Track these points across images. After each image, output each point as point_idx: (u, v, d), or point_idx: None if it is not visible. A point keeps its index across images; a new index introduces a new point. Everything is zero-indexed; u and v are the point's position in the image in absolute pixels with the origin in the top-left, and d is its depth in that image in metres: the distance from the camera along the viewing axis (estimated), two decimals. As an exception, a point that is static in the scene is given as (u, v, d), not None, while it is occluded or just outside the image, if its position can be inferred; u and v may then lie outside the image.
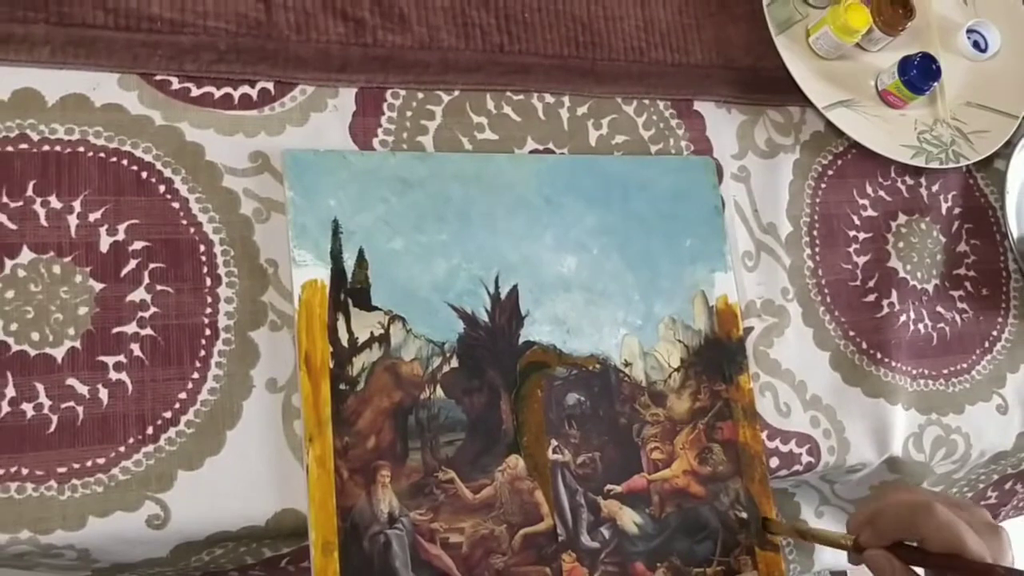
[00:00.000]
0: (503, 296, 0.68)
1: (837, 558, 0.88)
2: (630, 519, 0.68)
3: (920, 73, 0.81)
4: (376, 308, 0.65)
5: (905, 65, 0.82)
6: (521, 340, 0.68)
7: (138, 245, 0.63)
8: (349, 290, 0.65)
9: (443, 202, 0.69)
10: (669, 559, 0.68)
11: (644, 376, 0.71)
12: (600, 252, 0.72)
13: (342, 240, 0.65)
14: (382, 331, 0.65)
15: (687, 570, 0.68)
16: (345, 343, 0.63)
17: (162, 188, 0.64)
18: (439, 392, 0.65)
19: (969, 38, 0.89)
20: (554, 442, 0.67)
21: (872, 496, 0.62)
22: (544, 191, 0.72)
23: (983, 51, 0.89)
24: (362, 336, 0.64)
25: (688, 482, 0.70)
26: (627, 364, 0.70)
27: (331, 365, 0.63)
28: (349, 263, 0.65)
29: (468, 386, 0.66)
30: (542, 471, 0.66)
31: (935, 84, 0.83)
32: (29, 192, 0.61)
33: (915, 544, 0.59)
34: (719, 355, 0.73)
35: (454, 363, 0.66)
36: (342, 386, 0.63)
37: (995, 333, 0.85)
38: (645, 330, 0.71)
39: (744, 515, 0.71)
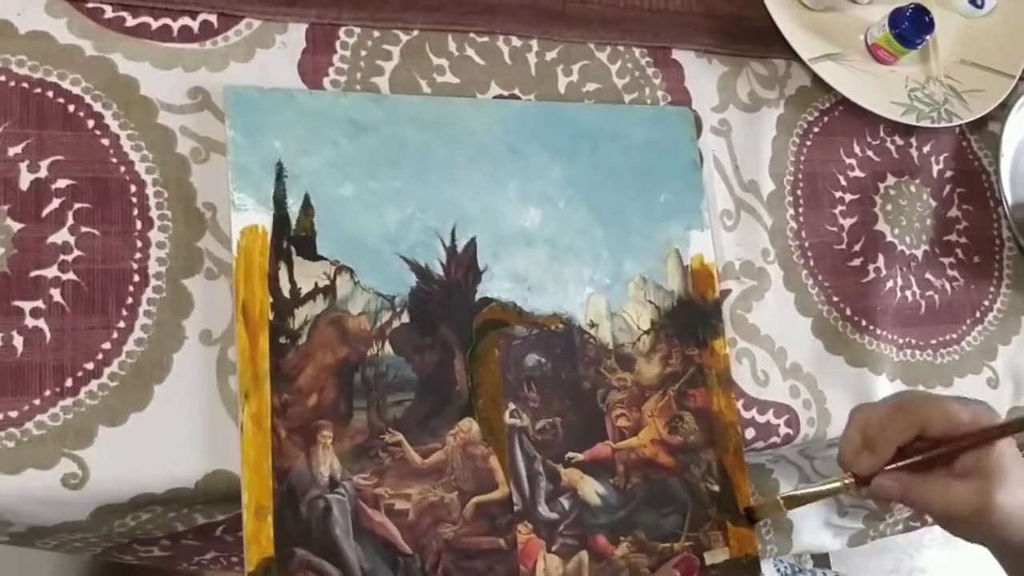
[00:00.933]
0: (460, 249, 0.63)
1: (818, 540, 0.84)
2: (592, 489, 0.63)
3: (912, 26, 0.77)
4: (322, 258, 0.60)
5: (896, 17, 0.77)
6: (478, 296, 0.63)
7: (62, 183, 0.58)
8: (292, 238, 0.60)
9: (398, 147, 0.64)
10: (633, 533, 0.63)
11: (611, 338, 0.66)
12: (567, 205, 0.67)
13: (286, 184, 0.60)
14: (327, 282, 0.60)
15: (652, 545, 0.64)
16: (287, 294, 0.59)
17: (91, 123, 0.59)
18: (388, 349, 0.60)
19: (965, -7, 0.84)
20: (512, 405, 0.62)
21: (845, 429, 0.59)
22: (508, 139, 0.67)
23: (979, 7, 0.85)
24: (305, 287, 0.59)
25: (656, 452, 0.65)
26: (593, 325, 0.66)
27: (271, 317, 0.58)
28: (293, 209, 0.60)
29: (419, 343, 0.61)
30: (498, 436, 0.61)
31: (927, 38, 0.78)
32: (-58, 122, 0.56)
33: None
34: (693, 318, 0.68)
35: (405, 318, 0.61)
36: (282, 339, 0.58)
37: (986, 303, 0.80)
38: (613, 289, 0.67)
39: (716, 488, 0.66)
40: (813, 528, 0.83)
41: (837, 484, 0.59)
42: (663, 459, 0.66)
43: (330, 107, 0.63)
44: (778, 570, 0.78)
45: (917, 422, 0.56)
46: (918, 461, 0.57)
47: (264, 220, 0.59)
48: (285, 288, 0.59)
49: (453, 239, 0.63)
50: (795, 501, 0.63)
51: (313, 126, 0.62)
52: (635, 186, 0.69)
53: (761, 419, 0.70)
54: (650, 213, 0.69)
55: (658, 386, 0.66)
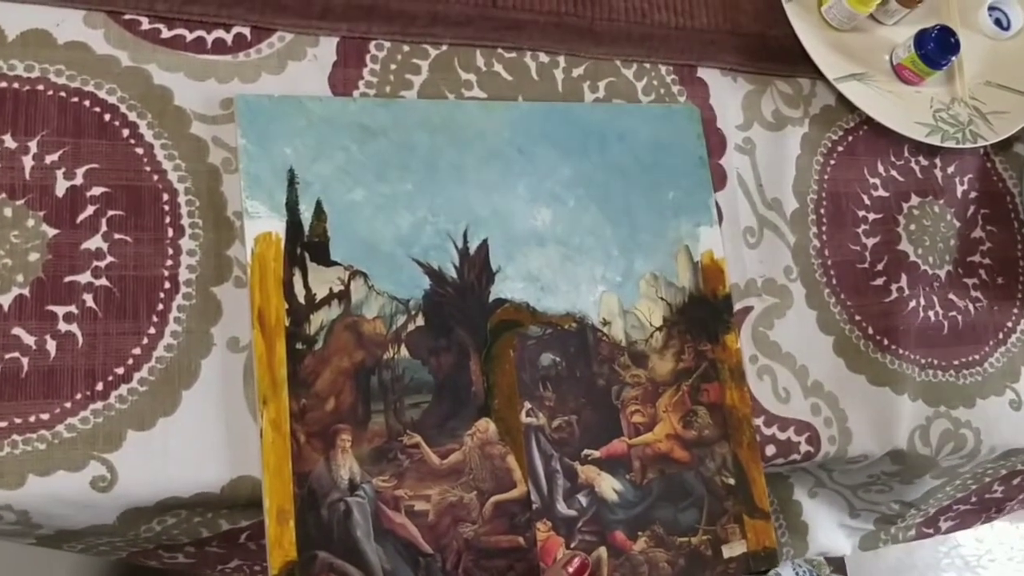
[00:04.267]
0: (472, 251, 0.64)
1: (832, 541, 0.84)
2: (609, 486, 0.64)
3: (937, 47, 0.77)
4: (335, 263, 0.61)
5: (922, 38, 0.78)
6: (492, 297, 0.64)
7: (97, 191, 0.59)
8: (306, 244, 0.60)
9: (408, 151, 0.65)
10: (651, 528, 0.64)
11: (624, 335, 0.66)
12: (577, 205, 0.68)
13: (298, 191, 0.61)
14: (342, 287, 0.61)
15: (670, 539, 0.64)
16: (302, 300, 0.59)
17: (126, 132, 0.60)
18: (404, 352, 0.61)
19: (991, 15, 0.85)
20: (527, 405, 0.63)
21: None
22: (516, 140, 0.67)
23: (1005, 29, 0.85)
24: (320, 292, 0.60)
25: (671, 447, 0.66)
26: (605, 323, 0.66)
27: (287, 323, 0.59)
28: (306, 215, 0.61)
29: (435, 346, 0.62)
30: (515, 435, 0.62)
31: (953, 59, 0.78)
32: (-18, 129, 0.58)
33: None
34: (704, 313, 0.69)
35: (420, 321, 0.62)
36: (299, 345, 0.59)
37: (1010, 324, 0.80)
38: (625, 287, 0.67)
39: (732, 481, 0.67)
40: (827, 529, 0.83)
41: None
42: (678, 454, 0.66)
43: (339, 113, 0.64)
44: (796, 574, 0.78)
45: None
46: None
47: (277, 227, 0.60)
48: (300, 294, 0.60)
49: (465, 241, 0.64)
50: None
51: (323, 132, 0.63)
52: (644, 184, 0.70)
53: (782, 436, 0.70)
54: (659, 210, 0.70)
55: (671, 382, 0.67)
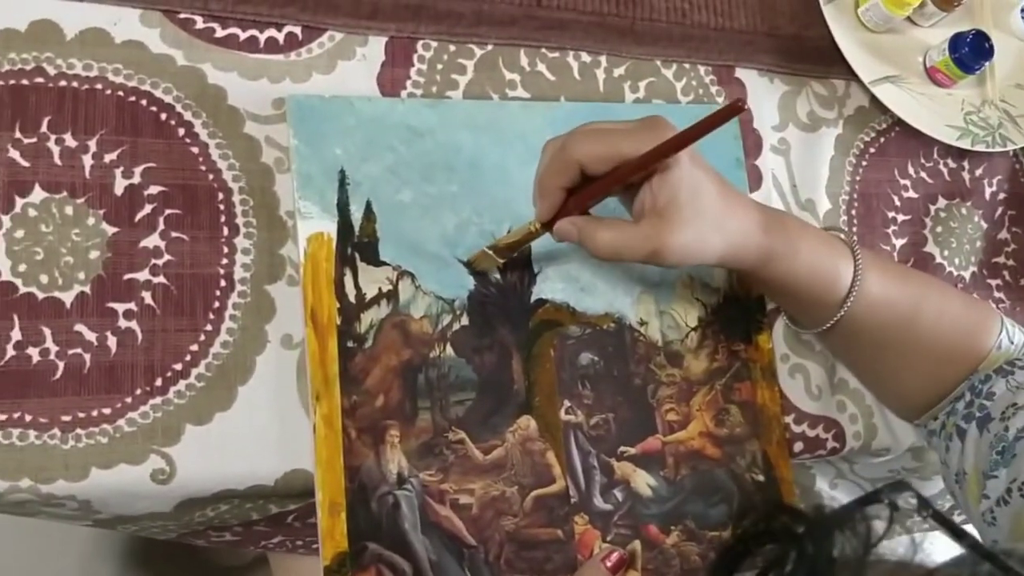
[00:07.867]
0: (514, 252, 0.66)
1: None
2: (644, 481, 0.66)
3: (972, 51, 0.78)
4: (384, 263, 0.62)
5: (956, 42, 0.78)
6: (533, 298, 0.66)
7: (154, 189, 0.60)
8: (356, 244, 0.62)
9: (453, 152, 0.66)
10: (683, 522, 0.66)
11: (660, 335, 0.68)
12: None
13: (349, 191, 0.63)
14: (390, 287, 0.62)
15: (702, 533, 0.67)
16: (352, 299, 0.61)
17: (181, 131, 0.62)
18: (449, 350, 0.63)
19: (1023, 17, 0.85)
20: (567, 403, 0.65)
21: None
22: None
23: (1038, 32, 0.86)
24: (370, 292, 0.62)
25: (704, 444, 0.68)
26: (642, 323, 0.68)
27: (338, 321, 0.60)
28: (356, 216, 0.62)
29: (478, 344, 0.64)
30: (554, 432, 0.64)
31: (986, 64, 0.79)
32: (43, 128, 0.59)
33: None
34: (738, 314, 0.71)
35: (464, 321, 0.64)
36: (350, 343, 0.60)
37: (1032, 325, 0.82)
38: (661, 288, 0.69)
39: (761, 478, 0.69)
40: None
41: (529, 228, 0.61)
42: (710, 451, 0.68)
43: (387, 113, 0.65)
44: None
45: (574, 164, 0.56)
46: (581, 197, 0.58)
47: (329, 227, 0.62)
48: (351, 293, 0.61)
49: None
50: (501, 250, 0.63)
51: (372, 133, 0.64)
52: None
53: (811, 433, 0.72)
54: None
55: (705, 381, 0.69)
